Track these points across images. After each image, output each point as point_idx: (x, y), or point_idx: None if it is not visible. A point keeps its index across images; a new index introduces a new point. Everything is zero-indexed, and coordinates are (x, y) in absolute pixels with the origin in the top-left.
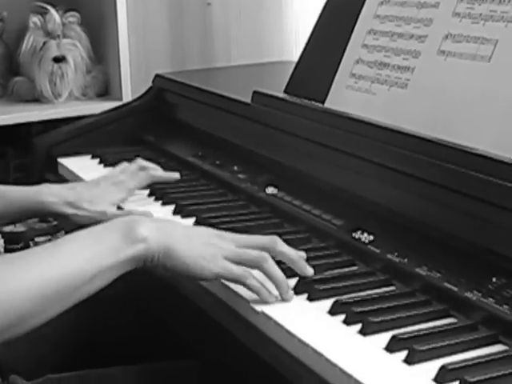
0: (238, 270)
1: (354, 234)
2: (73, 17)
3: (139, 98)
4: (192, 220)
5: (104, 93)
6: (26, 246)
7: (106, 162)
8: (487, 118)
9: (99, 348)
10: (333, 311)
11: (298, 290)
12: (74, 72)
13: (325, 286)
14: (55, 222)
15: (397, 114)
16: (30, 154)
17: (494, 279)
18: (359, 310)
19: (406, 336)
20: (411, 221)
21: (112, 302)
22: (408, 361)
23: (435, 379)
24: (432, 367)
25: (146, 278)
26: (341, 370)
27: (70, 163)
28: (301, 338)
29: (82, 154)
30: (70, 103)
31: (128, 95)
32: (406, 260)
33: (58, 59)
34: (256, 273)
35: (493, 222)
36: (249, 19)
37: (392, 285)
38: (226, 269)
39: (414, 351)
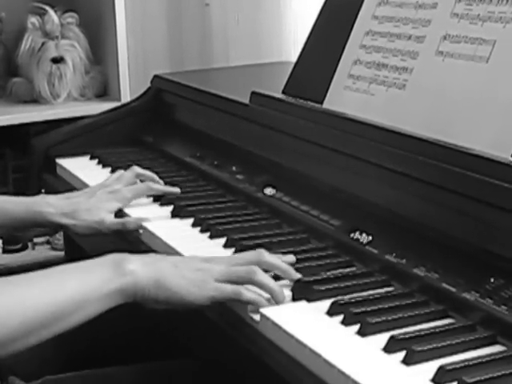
0: (230, 288)
1: (352, 235)
2: (71, 17)
3: (138, 98)
4: (190, 221)
5: (102, 93)
6: (25, 247)
7: (105, 163)
8: (485, 119)
9: (97, 349)
10: (331, 312)
11: (296, 292)
12: (73, 73)
13: (323, 287)
14: None
15: (395, 115)
16: (28, 154)
17: (492, 280)
18: (357, 310)
19: (404, 337)
20: (409, 221)
21: None
22: (406, 361)
23: (433, 380)
24: (430, 368)
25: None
26: (339, 370)
27: (69, 164)
28: (299, 338)
29: (80, 155)
30: (68, 104)
31: (126, 96)
32: (404, 260)
33: (57, 60)
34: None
35: (491, 223)
36: (247, 20)
37: (390, 285)
38: (218, 290)
39: (412, 352)
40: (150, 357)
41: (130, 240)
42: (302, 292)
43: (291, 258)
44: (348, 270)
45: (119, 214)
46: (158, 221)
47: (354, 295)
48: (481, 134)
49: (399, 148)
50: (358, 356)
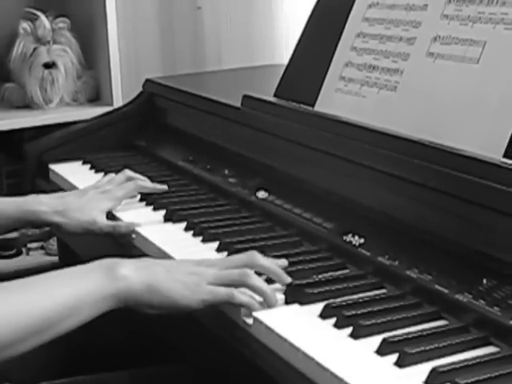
0: (223, 290)
1: (344, 237)
2: (63, 23)
3: (130, 103)
4: (183, 225)
5: (95, 98)
6: (19, 252)
7: (98, 168)
8: (476, 120)
9: (91, 354)
10: (324, 315)
11: (288, 295)
12: (65, 78)
13: (316, 290)
14: (47, 228)
15: (386, 117)
16: (21, 160)
17: (484, 281)
18: (350, 313)
19: (396, 339)
20: (402, 223)
21: None
22: (399, 363)
23: (426, 382)
24: (423, 370)
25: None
26: (332, 373)
27: (62, 169)
28: (292, 341)
29: (73, 160)
30: (60, 109)
31: (119, 100)
32: (396, 262)
33: (49, 65)
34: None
35: (483, 224)
36: (239, 23)
37: (383, 287)
38: (211, 293)
39: (405, 354)
40: (145, 362)
41: (122, 244)
42: (295, 295)
43: (283, 262)
44: (341, 272)
45: (112, 218)
46: (150, 225)
47: (347, 298)
48: (472, 135)
49: (391, 150)
50: (351, 359)
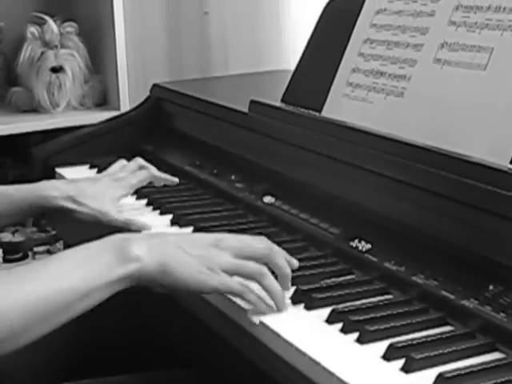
0: (236, 285)
1: (351, 243)
2: (70, 27)
3: (137, 107)
4: (190, 229)
5: (102, 103)
6: (25, 256)
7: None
8: (483, 127)
9: (94, 358)
10: (330, 320)
11: (295, 300)
12: (72, 82)
13: (322, 295)
14: (54, 232)
15: (393, 123)
16: (28, 163)
17: (490, 287)
18: (356, 318)
19: (403, 344)
20: (408, 229)
21: (107, 311)
22: (405, 369)
23: None
24: (429, 375)
25: (143, 288)
26: (338, 378)
27: (68, 173)
28: (298, 346)
29: (79, 164)
30: (67, 113)
31: (126, 105)
32: (403, 268)
33: (56, 69)
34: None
35: (490, 230)
36: (246, 28)
37: (389, 293)
38: (224, 284)
39: (412, 359)
40: (148, 367)
41: None
42: (302, 300)
43: (296, 262)
44: (347, 277)
45: None
46: (157, 229)
47: (353, 303)
48: (479, 141)
49: (398, 156)
50: (357, 364)
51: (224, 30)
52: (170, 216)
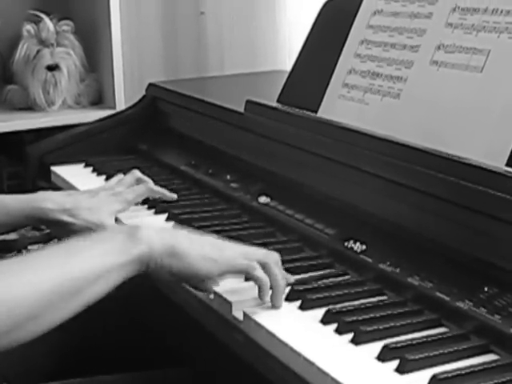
0: (244, 261)
1: (346, 244)
2: (67, 25)
3: (132, 106)
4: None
5: (97, 101)
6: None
7: (100, 171)
8: (479, 128)
9: (90, 356)
10: (325, 320)
11: (290, 300)
12: (68, 80)
13: (317, 295)
14: (48, 230)
15: (389, 124)
16: (23, 162)
17: (485, 289)
18: (351, 319)
19: (397, 345)
20: (403, 230)
21: (103, 310)
22: (400, 370)
23: None
24: (423, 376)
25: (139, 287)
26: (332, 379)
27: (63, 171)
28: (293, 346)
29: (75, 163)
30: (63, 111)
31: (121, 104)
32: (398, 269)
33: (52, 67)
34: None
35: (485, 232)
36: (242, 28)
37: (384, 294)
38: (232, 262)
39: (406, 360)
40: (143, 366)
41: None
42: (297, 300)
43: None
44: (342, 278)
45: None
46: None
47: (348, 304)
48: (475, 143)
49: (393, 157)
50: (352, 364)
51: (220, 30)
52: (165, 215)
